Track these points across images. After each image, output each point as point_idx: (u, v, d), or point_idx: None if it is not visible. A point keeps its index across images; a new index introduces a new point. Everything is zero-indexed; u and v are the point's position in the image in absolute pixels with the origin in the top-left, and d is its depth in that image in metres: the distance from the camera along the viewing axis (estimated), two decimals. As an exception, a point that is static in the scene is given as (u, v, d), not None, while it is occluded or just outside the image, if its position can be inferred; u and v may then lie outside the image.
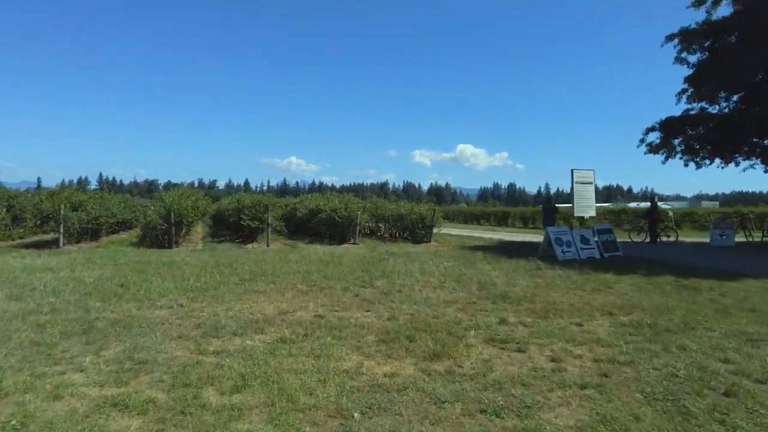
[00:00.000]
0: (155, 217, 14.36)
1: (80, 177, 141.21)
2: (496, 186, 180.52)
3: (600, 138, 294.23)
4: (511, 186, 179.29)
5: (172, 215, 14.34)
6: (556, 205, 22.18)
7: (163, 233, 14.50)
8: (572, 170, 28.45)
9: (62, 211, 13.24)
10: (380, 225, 21.98)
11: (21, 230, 15.77)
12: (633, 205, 39.38)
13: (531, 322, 6.12)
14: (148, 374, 4.07)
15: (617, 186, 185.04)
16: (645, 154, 19.85)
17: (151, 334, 5.25)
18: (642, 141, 19.69)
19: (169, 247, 14.45)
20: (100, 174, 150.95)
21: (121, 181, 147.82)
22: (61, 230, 13.29)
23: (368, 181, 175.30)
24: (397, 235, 20.19)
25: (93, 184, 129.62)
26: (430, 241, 17.64)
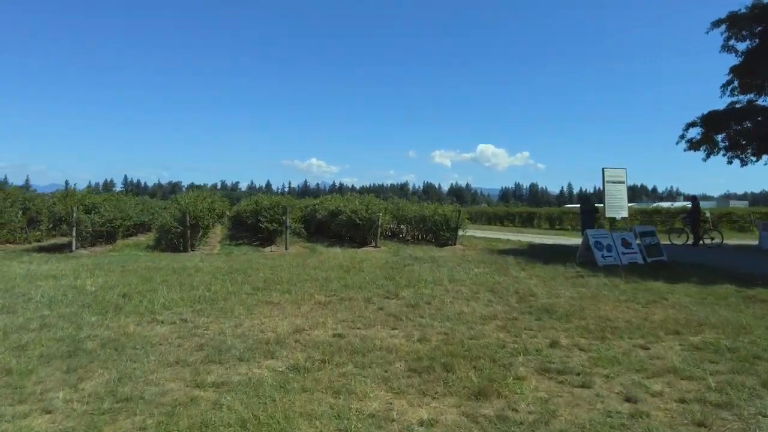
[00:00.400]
0: (170, 220, 13.79)
1: (106, 179, 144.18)
2: (518, 186, 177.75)
3: (623, 137, 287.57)
4: (533, 186, 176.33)
5: (188, 218, 13.75)
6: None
7: (178, 236, 13.92)
8: (603, 169, 26.99)
9: (75, 214, 12.75)
10: (402, 227, 21.14)
11: (37, 233, 15.41)
12: (665, 204, 37.54)
13: (587, 344, 5.18)
14: (128, 417, 3.30)
15: (641, 186, 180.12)
16: (685, 151, 18.51)
17: (144, 358, 4.49)
18: (682, 137, 18.37)
19: (185, 250, 13.86)
20: (125, 176, 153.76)
21: (145, 183, 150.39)
22: (74, 233, 12.80)
23: (388, 182, 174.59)
24: (420, 237, 19.29)
25: (118, 186, 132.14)
26: (455, 244, 16.70)
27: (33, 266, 9.87)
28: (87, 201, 13.71)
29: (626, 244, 12.53)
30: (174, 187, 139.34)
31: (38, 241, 15.67)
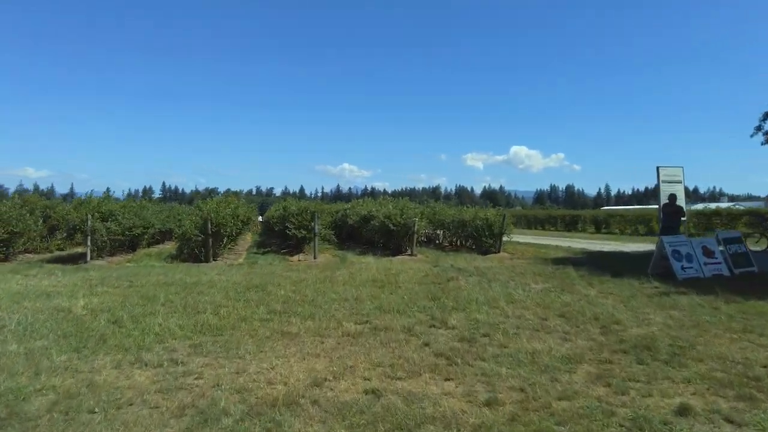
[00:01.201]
0: (190, 228, 12.67)
1: (145, 186, 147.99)
2: (553, 188, 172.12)
3: (662, 136, 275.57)
4: (569, 187, 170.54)
5: (209, 225, 12.59)
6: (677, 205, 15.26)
7: (199, 245, 12.78)
8: (658, 167, 24.54)
9: (89, 222, 11.78)
10: (438, 232, 19.53)
11: (59, 242, 14.64)
12: (724, 205, 34.35)
13: (731, 409, 3.53)
14: None
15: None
16: (762, 144, 16.18)
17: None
18: (758, 129, 16.08)
19: (206, 260, 12.71)
20: (164, 183, 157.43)
21: (183, 189, 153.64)
22: (88, 243, 11.83)
23: (420, 186, 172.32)
24: (459, 243, 17.63)
25: (157, 193, 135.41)
26: (499, 252, 14.97)
27: (34, 281, 8.83)
28: (103, 208, 12.75)
29: (708, 252, 10.53)
30: (210, 193, 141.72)
31: (61, 249, 14.91)
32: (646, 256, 14.26)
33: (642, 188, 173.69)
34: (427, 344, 5.08)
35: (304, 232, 14.71)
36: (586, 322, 6.06)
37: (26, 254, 13.65)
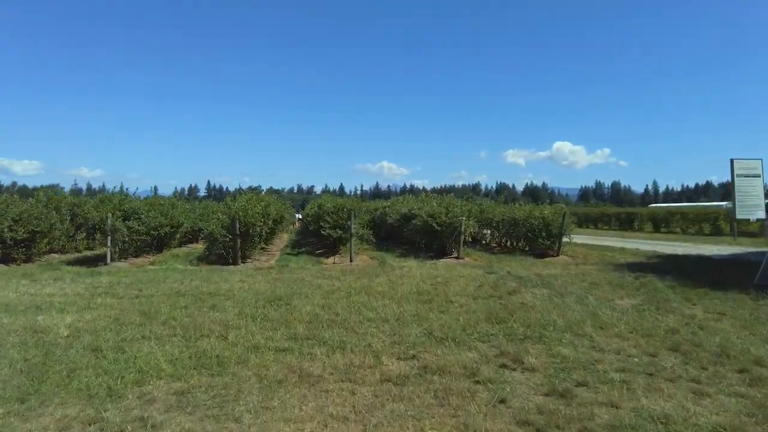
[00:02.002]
0: (217, 228, 11.53)
1: (191, 185, 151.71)
2: (599, 185, 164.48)
3: (711, 132, 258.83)
4: (615, 184, 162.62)
5: (237, 225, 11.41)
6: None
7: (226, 247, 11.63)
8: (732, 160, 21.93)
9: (109, 221, 10.82)
10: (485, 232, 17.75)
11: (87, 241, 13.90)
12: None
13: None
14: None
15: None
16: None
17: None
18: None
19: (234, 263, 11.54)
20: (209, 182, 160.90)
21: (227, 188, 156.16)
22: (108, 243, 10.88)
23: (459, 183, 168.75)
24: (510, 244, 15.80)
25: (202, 192, 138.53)
26: (558, 254, 13.09)
27: (36, 288, 7.80)
28: (125, 206, 11.78)
29: (834, 260, 8.39)
30: (253, 192, 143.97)
31: (90, 249, 14.19)
32: (734, 261, 12.05)
33: (692, 185, 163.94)
34: (502, 401, 3.49)
35: (339, 231, 13.34)
36: (713, 362, 4.31)
37: (52, 254, 12.95)
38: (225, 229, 11.68)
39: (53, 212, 12.70)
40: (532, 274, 9.45)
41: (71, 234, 13.31)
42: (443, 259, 12.64)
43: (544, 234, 13.33)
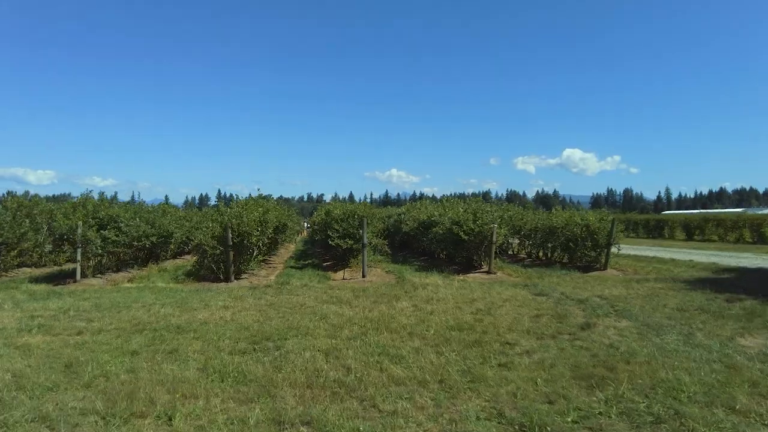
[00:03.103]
0: (206, 238, 9.65)
1: (201, 194, 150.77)
2: (611, 192, 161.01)
3: (726, 137, 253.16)
4: (627, 191, 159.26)
5: (230, 235, 9.52)
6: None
7: (217, 261, 9.74)
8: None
9: (79, 230, 8.98)
10: (512, 241, 15.65)
11: (68, 253, 12.06)
12: None
13: None
14: None
15: (751, 189, 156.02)
16: None
17: None
18: None
19: (226, 279, 9.65)
20: (219, 191, 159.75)
21: (237, 196, 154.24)
22: (78, 257, 9.04)
23: (469, 191, 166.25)
24: (545, 256, 13.72)
25: (213, 201, 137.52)
26: (605, 268, 11.01)
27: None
28: (101, 213, 9.90)
29: None
30: (258, 198, 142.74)
31: (73, 261, 12.35)
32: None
33: (705, 191, 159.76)
34: None
35: (350, 241, 11.39)
36: None
37: (23, 268, 11.15)
38: (216, 239, 9.80)
39: (25, 220, 10.92)
40: (593, 296, 7.39)
41: (43, 244, 11.43)
42: (472, 274, 10.62)
43: (589, 244, 11.26)
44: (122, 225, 10.01)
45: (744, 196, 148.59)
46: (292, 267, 12.41)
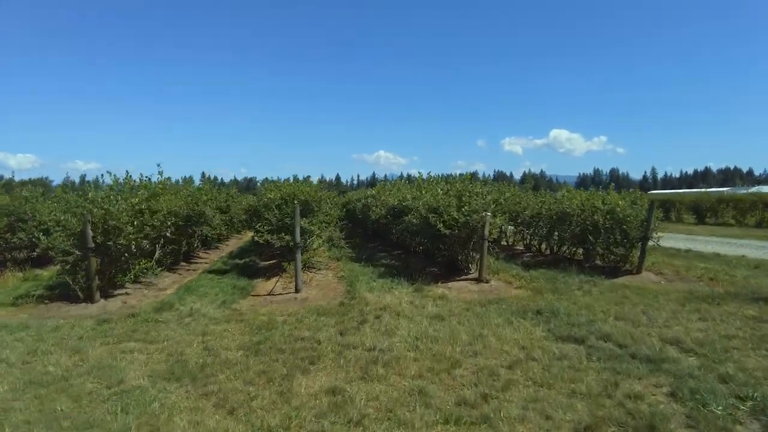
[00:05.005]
0: (60, 239, 6.24)
1: (184, 176, 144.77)
2: (597, 172, 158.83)
3: (711, 117, 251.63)
4: (614, 171, 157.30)
5: (88, 234, 6.10)
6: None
7: (73, 271, 6.34)
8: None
9: None
10: (504, 228, 12.27)
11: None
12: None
13: None
14: None
15: (735, 168, 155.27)
16: None
17: None
18: None
19: (87, 299, 6.29)
20: (203, 173, 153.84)
21: (222, 179, 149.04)
22: None
23: (456, 173, 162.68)
24: (549, 250, 10.48)
25: (197, 183, 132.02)
26: (639, 271, 7.82)
27: None
28: None
29: None
30: (249, 182, 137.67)
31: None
32: None
33: (690, 171, 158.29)
34: None
35: (287, 237, 8.02)
36: None
37: None
38: (73, 240, 6.38)
39: None
40: (659, 340, 4.15)
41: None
42: (456, 282, 7.37)
43: (617, 237, 8.02)
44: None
45: (729, 176, 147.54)
46: (212, 272, 9.01)
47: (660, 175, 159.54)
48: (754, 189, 39.81)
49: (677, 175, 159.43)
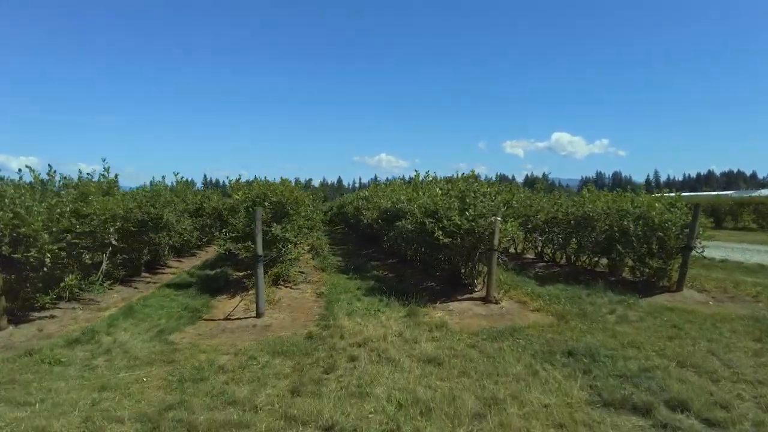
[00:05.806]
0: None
1: (186, 178, 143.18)
2: (599, 175, 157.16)
3: (714, 120, 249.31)
4: (616, 174, 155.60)
5: (-5, 241, 4.76)
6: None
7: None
8: None
9: None
10: (513, 236, 10.83)
11: None
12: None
13: None
14: None
15: (738, 171, 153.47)
16: None
17: None
18: None
19: (-7, 326, 4.93)
20: (205, 176, 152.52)
21: (223, 181, 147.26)
22: None
23: (458, 174, 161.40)
24: (567, 259, 9.07)
25: (198, 186, 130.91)
26: (680, 288, 6.44)
27: None
28: None
29: None
30: (249, 184, 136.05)
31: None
32: None
33: (693, 174, 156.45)
34: None
35: (250, 246, 6.64)
36: None
37: None
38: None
39: None
40: (749, 404, 2.77)
41: None
42: (458, 303, 5.99)
43: (653, 246, 6.62)
44: None
45: (732, 179, 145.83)
46: (171, 286, 7.61)
47: (663, 178, 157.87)
48: (757, 193, 38.25)
49: (680, 178, 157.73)
